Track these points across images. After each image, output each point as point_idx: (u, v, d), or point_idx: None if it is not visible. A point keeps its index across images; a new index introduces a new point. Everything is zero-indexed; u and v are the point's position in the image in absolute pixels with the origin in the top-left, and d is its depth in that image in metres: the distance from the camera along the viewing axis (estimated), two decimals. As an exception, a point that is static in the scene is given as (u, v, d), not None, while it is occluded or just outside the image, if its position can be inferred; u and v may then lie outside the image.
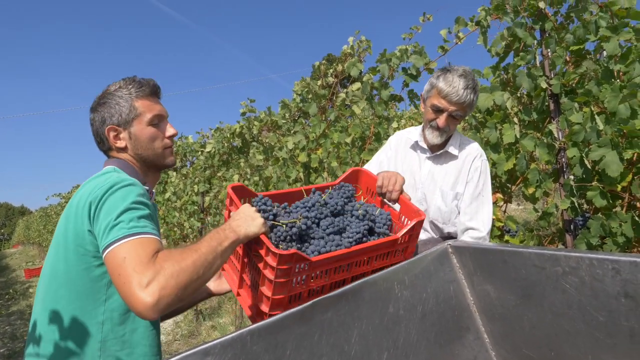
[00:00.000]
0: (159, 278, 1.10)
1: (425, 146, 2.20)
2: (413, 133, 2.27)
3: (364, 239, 1.53)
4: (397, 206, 1.68)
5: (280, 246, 1.41)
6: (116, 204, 1.26)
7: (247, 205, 1.41)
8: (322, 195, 1.63)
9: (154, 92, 1.57)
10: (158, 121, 1.56)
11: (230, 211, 1.49)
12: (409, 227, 1.53)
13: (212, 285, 1.80)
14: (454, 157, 2.15)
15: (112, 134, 1.52)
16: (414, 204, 1.62)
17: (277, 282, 1.29)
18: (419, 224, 1.54)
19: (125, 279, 1.11)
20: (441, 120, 2.04)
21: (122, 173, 1.45)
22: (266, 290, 1.34)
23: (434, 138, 2.09)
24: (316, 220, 1.54)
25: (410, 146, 2.26)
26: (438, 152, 2.17)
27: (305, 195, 1.68)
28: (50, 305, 1.35)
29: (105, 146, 1.55)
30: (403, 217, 1.64)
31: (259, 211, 1.44)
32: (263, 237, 1.31)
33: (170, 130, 1.59)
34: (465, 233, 2.07)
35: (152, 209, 1.38)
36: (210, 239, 1.27)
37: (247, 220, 1.34)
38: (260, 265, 1.34)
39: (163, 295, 1.09)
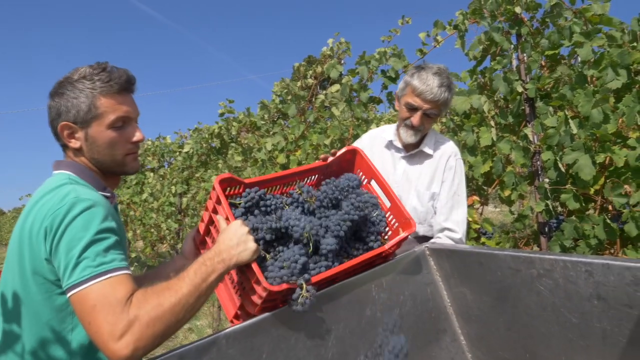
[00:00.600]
0: (133, 329, 1.01)
1: (399, 145, 2.16)
2: (387, 132, 2.23)
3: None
4: (386, 198, 1.63)
5: (268, 258, 1.32)
6: (77, 235, 1.10)
7: (238, 223, 1.25)
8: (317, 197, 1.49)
9: (124, 88, 1.33)
10: (123, 123, 1.33)
11: (215, 207, 1.36)
12: (397, 239, 1.50)
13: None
14: (429, 156, 2.12)
15: (66, 132, 1.31)
16: (406, 209, 1.58)
17: (263, 306, 1.27)
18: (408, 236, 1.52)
19: (97, 328, 1.02)
20: (415, 118, 2.00)
21: (78, 183, 1.27)
22: (250, 307, 1.31)
23: (409, 137, 2.06)
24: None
25: (385, 145, 2.21)
26: (413, 151, 2.14)
27: (298, 180, 1.57)
28: (12, 336, 1.22)
29: (60, 141, 1.35)
30: (392, 217, 1.61)
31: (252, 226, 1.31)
32: (255, 267, 1.22)
33: (136, 136, 1.36)
34: (441, 233, 2.05)
35: (118, 227, 1.23)
36: (195, 274, 1.14)
37: (238, 245, 1.20)
38: (246, 285, 1.30)
39: (139, 346, 1.01)
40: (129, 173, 1.41)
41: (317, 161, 1.67)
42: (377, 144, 2.23)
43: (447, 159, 2.11)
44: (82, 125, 1.29)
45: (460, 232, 2.04)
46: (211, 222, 1.42)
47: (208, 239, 1.47)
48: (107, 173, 1.38)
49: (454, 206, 2.07)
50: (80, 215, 1.12)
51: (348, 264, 1.39)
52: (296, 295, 1.23)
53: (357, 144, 2.29)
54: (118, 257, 1.12)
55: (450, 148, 2.14)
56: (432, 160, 2.12)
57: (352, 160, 1.69)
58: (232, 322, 1.43)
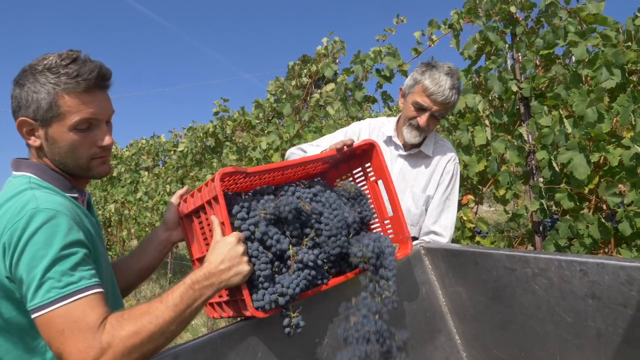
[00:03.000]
0: (106, 358, 0.94)
1: (399, 143, 2.08)
2: (387, 127, 2.14)
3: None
4: (389, 206, 1.55)
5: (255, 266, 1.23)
6: (39, 252, 1.00)
7: (232, 241, 1.13)
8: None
9: (94, 85, 1.16)
10: (88, 126, 1.17)
11: (210, 200, 1.23)
12: None
13: (169, 236, 1.47)
14: (428, 157, 2.07)
15: (25, 128, 1.17)
16: (407, 224, 1.50)
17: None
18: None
19: (67, 355, 0.95)
20: (422, 119, 1.92)
21: (40, 186, 1.15)
22: (227, 311, 1.29)
23: (413, 138, 1.98)
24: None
25: (384, 140, 2.12)
26: (412, 151, 2.07)
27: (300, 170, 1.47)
28: None
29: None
30: (390, 227, 1.54)
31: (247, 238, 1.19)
32: (245, 293, 1.14)
33: (103, 140, 1.21)
34: (427, 236, 2.02)
35: (88, 231, 1.15)
36: (180, 298, 1.05)
37: (230, 269, 1.10)
38: (230, 297, 1.25)
39: None
40: (96, 177, 1.29)
41: (329, 150, 1.54)
42: (376, 137, 2.14)
43: (446, 163, 2.06)
44: (42, 123, 1.15)
45: (447, 236, 2.00)
46: (203, 207, 1.31)
47: (195, 219, 1.37)
48: (73, 175, 1.25)
49: (444, 210, 2.04)
50: (41, 228, 1.02)
51: (334, 281, 1.35)
52: (286, 322, 1.20)
53: (355, 127, 2.19)
54: (87, 274, 1.03)
55: (450, 151, 2.10)
56: (431, 162, 2.07)
57: (367, 152, 1.57)
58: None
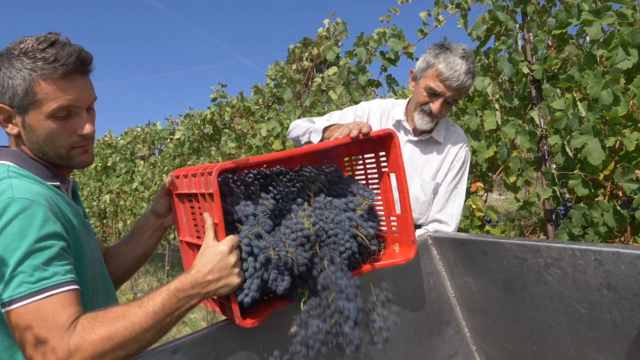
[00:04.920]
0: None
1: (409, 127, 2.02)
2: (396, 110, 2.07)
3: None
4: (399, 203, 1.45)
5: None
6: (12, 244, 0.97)
7: (225, 250, 1.06)
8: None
9: (73, 70, 1.12)
10: (67, 113, 1.14)
11: (205, 195, 1.14)
12: (390, 262, 1.39)
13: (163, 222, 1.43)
14: (439, 144, 2.02)
15: (1, 116, 1.15)
16: (413, 224, 1.41)
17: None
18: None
19: (36, 356, 0.93)
20: (435, 105, 1.86)
21: (19, 175, 1.11)
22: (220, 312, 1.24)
23: (424, 124, 1.92)
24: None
25: (393, 124, 2.05)
26: (422, 136, 2.02)
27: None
28: None
29: None
30: (395, 224, 1.45)
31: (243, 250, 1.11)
32: (234, 307, 1.09)
33: (83, 128, 1.16)
34: (432, 224, 1.98)
35: (68, 221, 1.12)
36: (161, 307, 1.01)
37: (219, 280, 1.04)
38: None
39: None
40: (77, 167, 1.26)
41: (343, 136, 1.45)
42: (385, 120, 2.09)
43: (457, 150, 2.02)
44: (19, 110, 1.12)
45: (452, 225, 1.96)
46: (195, 195, 1.23)
47: (187, 202, 1.29)
48: (54, 164, 1.22)
49: (451, 198, 2.00)
50: (15, 219, 0.99)
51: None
52: None
53: (365, 107, 2.12)
54: (61, 270, 0.99)
55: (461, 138, 2.05)
56: (441, 149, 2.02)
57: (384, 140, 1.46)
58: None
